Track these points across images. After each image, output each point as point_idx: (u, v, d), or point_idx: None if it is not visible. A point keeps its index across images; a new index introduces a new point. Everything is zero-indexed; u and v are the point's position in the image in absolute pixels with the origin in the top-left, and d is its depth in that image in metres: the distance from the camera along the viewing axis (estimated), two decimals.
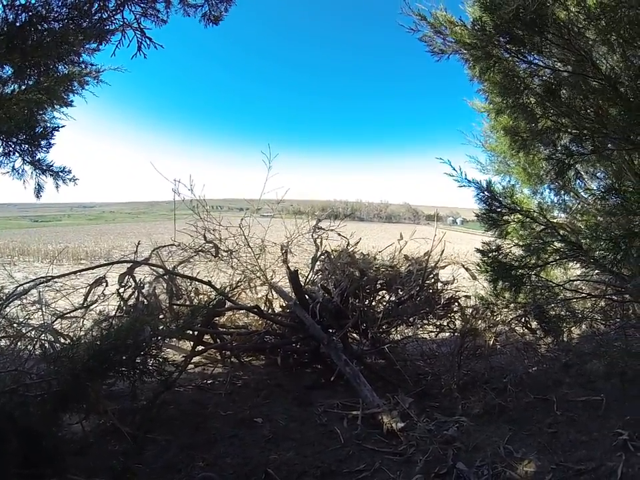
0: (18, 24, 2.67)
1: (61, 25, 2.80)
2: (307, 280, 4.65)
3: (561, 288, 4.02)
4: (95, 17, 2.88)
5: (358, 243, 4.80)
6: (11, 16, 2.55)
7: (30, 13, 2.68)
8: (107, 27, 3.03)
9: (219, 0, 3.39)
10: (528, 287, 3.81)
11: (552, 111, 3.46)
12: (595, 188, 4.81)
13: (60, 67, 3.42)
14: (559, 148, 3.69)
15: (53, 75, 3.36)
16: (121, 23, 3.06)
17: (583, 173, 4.95)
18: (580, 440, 2.71)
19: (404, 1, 3.86)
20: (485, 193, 3.66)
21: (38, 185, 3.35)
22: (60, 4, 2.80)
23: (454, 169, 3.60)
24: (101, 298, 3.71)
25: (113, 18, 3.00)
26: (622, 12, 2.75)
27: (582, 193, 5.11)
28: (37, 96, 3.51)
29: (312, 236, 4.69)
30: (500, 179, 5.97)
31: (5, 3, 2.66)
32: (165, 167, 4.50)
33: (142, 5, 3.03)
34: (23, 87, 3.27)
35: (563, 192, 5.25)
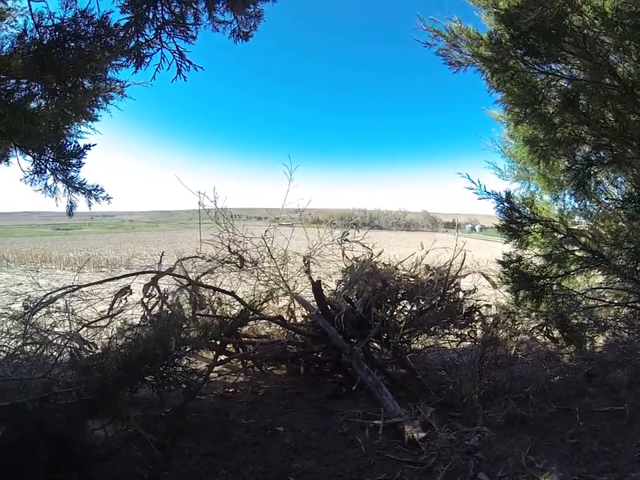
0: (47, 42, 2.78)
1: (87, 43, 2.90)
2: (330, 290, 4.67)
3: (583, 296, 3.97)
4: (121, 34, 2.98)
5: (381, 253, 4.80)
6: (46, 36, 2.66)
7: (59, 32, 2.80)
8: (145, 51, 3.12)
9: (248, 16, 3.45)
10: (549, 296, 3.77)
11: (570, 120, 3.45)
12: (615, 194, 4.76)
13: (86, 82, 3.53)
14: (578, 158, 3.66)
15: (80, 91, 3.46)
16: (159, 47, 3.14)
17: (603, 178, 4.89)
18: (603, 451, 2.67)
19: (418, 17, 3.89)
20: (505, 203, 3.65)
21: (70, 202, 3.44)
22: (87, 22, 2.91)
23: (473, 182, 3.62)
24: (125, 307, 3.78)
25: (151, 42, 3.09)
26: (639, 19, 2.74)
27: (603, 199, 5.05)
28: (63, 111, 3.63)
29: (341, 246, 4.72)
30: (519, 185, 5.91)
31: (31, 25, 2.79)
32: (182, 180, 4.58)
33: (179, 29, 3.11)
34: (49, 102, 3.38)
35: (583, 198, 5.19)
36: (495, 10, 3.40)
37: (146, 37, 3.12)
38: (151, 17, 3.06)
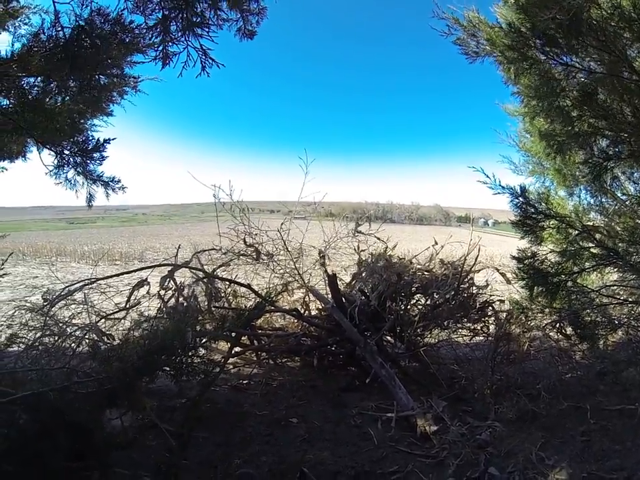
0: (65, 40, 2.83)
1: (104, 40, 2.95)
2: (344, 283, 4.69)
3: (597, 293, 3.94)
4: (141, 31, 3.03)
5: (395, 246, 4.81)
6: (63, 33, 2.71)
7: (76, 30, 2.84)
8: (169, 47, 3.18)
9: (251, 13, 3.48)
10: (563, 292, 3.75)
11: (588, 114, 3.41)
12: (631, 190, 4.70)
13: (102, 78, 3.58)
14: (596, 151, 3.62)
15: (95, 87, 3.51)
16: (185, 46, 3.20)
17: (619, 174, 4.83)
18: (613, 449, 2.67)
19: (436, 5, 3.86)
20: (520, 198, 3.61)
21: (89, 194, 3.51)
22: (102, 20, 2.95)
23: (487, 176, 3.57)
24: (142, 299, 3.84)
25: (177, 41, 3.14)
26: None
27: (619, 195, 4.99)
28: (79, 106, 3.69)
29: (356, 238, 4.73)
30: (534, 180, 5.83)
31: (48, 23, 2.83)
32: (193, 174, 4.63)
33: (205, 31, 3.17)
34: (66, 99, 3.44)
35: (599, 194, 5.13)
36: (513, 1, 3.36)
37: (172, 35, 3.18)
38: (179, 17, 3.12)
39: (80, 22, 2.81)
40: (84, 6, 2.84)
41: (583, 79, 3.49)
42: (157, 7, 3.05)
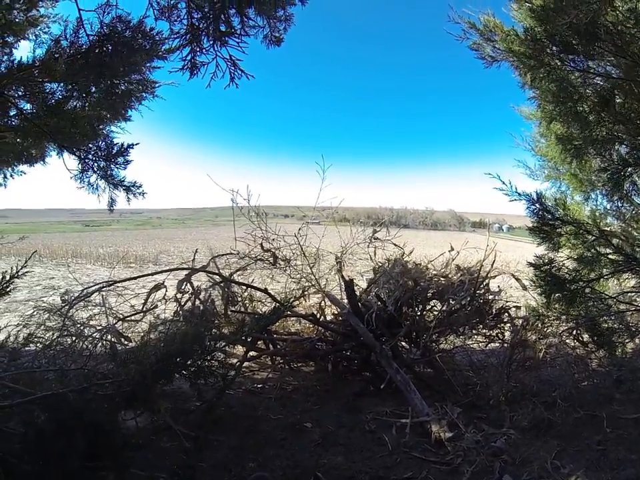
0: (87, 47, 2.89)
1: (126, 47, 3.01)
2: (361, 289, 4.70)
3: (615, 300, 3.89)
4: (161, 37, 3.08)
5: (412, 252, 4.81)
6: (85, 40, 2.77)
7: (99, 37, 2.90)
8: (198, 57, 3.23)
9: (278, 20, 3.50)
10: (581, 299, 3.71)
11: (606, 119, 3.38)
12: None
13: (121, 84, 3.64)
14: (614, 158, 3.59)
15: (115, 92, 3.57)
16: (214, 56, 3.25)
17: (637, 179, 4.78)
18: (629, 458, 2.65)
19: (451, 9, 3.86)
20: (536, 205, 3.58)
21: (111, 198, 3.57)
22: (124, 27, 3.01)
23: (504, 183, 3.55)
24: (159, 302, 3.89)
25: (205, 51, 3.19)
26: None
27: (636, 200, 4.93)
28: (98, 112, 3.75)
29: (372, 244, 4.75)
30: (550, 185, 5.79)
31: (71, 31, 2.90)
32: (207, 178, 4.68)
33: (235, 41, 3.21)
34: (87, 104, 3.50)
35: (617, 199, 5.08)
36: (528, 5, 3.35)
37: (201, 45, 3.23)
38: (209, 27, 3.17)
39: (103, 29, 2.87)
40: (105, 13, 2.91)
41: (600, 84, 3.47)
42: (184, 16, 3.10)
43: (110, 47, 2.94)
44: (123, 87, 3.70)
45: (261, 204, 4.64)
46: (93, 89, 3.34)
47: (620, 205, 5.06)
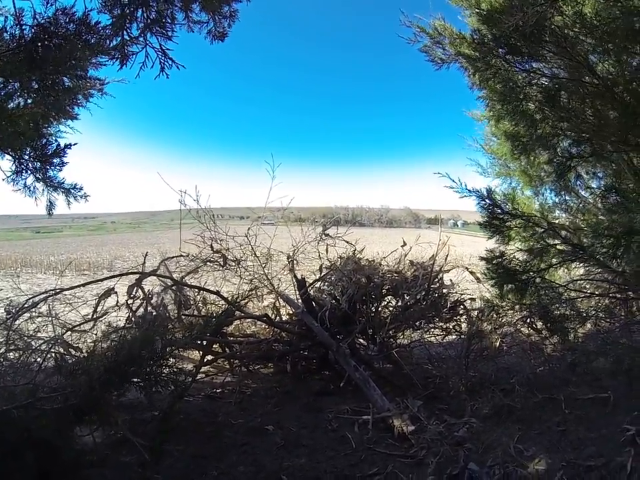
0: (28, 40, 2.73)
1: (68, 41, 2.86)
2: (311, 285, 4.66)
3: (565, 288, 4.04)
4: (106, 32, 2.95)
5: (363, 249, 4.81)
6: (28, 33, 2.61)
7: (40, 30, 2.75)
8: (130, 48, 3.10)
9: (223, 16, 3.44)
10: (532, 288, 3.83)
11: (551, 116, 3.51)
12: (595, 187, 4.86)
13: (65, 80, 3.47)
14: (559, 151, 3.73)
15: (60, 89, 3.40)
16: (143, 45, 3.12)
17: (583, 173, 4.99)
18: (589, 437, 2.72)
19: (402, 13, 3.94)
20: (486, 200, 3.70)
21: (49, 202, 3.40)
22: (67, 20, 2.86)
23: (453, 181, 3.65)
24: (110, 309, 3.74)
25: (136, 40, 3.07)
26: (618, 23, 2.81)
27: (582, 193, 5.15)
28: (42, 109, 3.56)
29: (324, 242, 4.70)
30: (501, 181, 6.01)
31: (11, 22, 2.73)
32: (161, 180, 4.54)
33: (163, 30, 3.10)
34: (29, 101, 3.32)
35: (563, 192, 5.29)
36: (477, 10, 3.45)
37: (131, 35, 3.09)
38: (138, 15, 3.04)
39: (43, 21, 2.72)
40: (48, 4, 2.76)
41: (545, 83, 3.60)
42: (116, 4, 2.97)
43: (51, 41, 2.79)
44: (67, 83, 3.54)
45: (216, 206, 4.57)
46: (35, 85, 3.16)
47: (567, 198, 5.29)
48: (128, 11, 3.00)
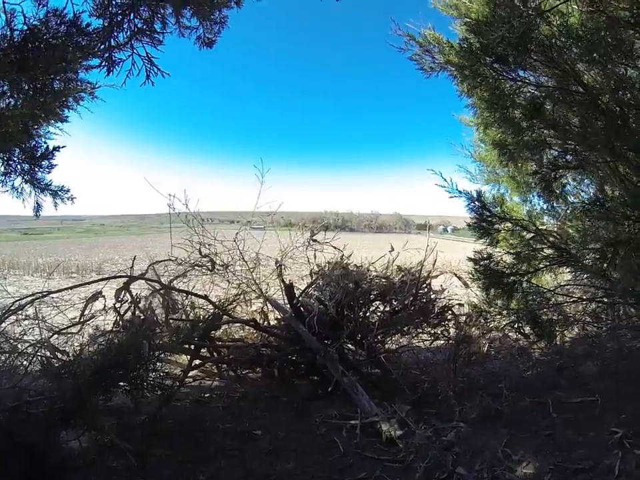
0: (18, 40, 2.72)
1: (59, 42, 2.85)
2: (302, 292, 4.66)
3: (552, 293, 4.09)
4: (95, 37, 2.94)
5: (351, 255, 4.81)
6: (18, 33, 2.60)
7: (31, 31, 2.74)
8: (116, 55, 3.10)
9: (213, 22, 3.45)
10: (520, 293, 3.88)
11: (537, 125, 3.57)
12: (582, 196, 4.92)
13: (56, 82, 3.45)
14: (545, 161, 3.79)
15: (50, 91, 3.38)
16: (130, 52, 3.11)
17: (570, 180, 5.05)
18: (577, 440, 2.76)
19: (393, 22, 3.99)
20: (476, 202, 3.76)
21: (37, 203, 3.38)
22: (58, 22, 2.85)
23: (445, 180, 3.70)
24: (98, 313, 3.71)
25: (122, 46, 3.06)
26: (604, 34, 2.87)
27: (570, 199, 5.21)
28: (32, 111, 3.54)
29: (312, 247, 4.69)
30: (490, 188, 6.05)
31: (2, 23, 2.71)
32: (153, 182, 4.51)
33: (151, 37, 3.10)
34: (19, 102, 3.30)
35: (551, 199, 5.35)
36: (466, 19, 3.51)
37: (117, 41, 3.09)
38: (125, 24, 3.03)
39: (34, 22, 2.71)
40: (40, 6, 2.75)
41: (532, 92, 3.66)
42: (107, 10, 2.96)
43: (42, 42, 2.78)
44: (57, 85, 3.52)
45: (207, 210, 4.53)
46: (25, 86, 3.14)
47: (555, 204, 5.35)
48: (115, 21, 2.99)
